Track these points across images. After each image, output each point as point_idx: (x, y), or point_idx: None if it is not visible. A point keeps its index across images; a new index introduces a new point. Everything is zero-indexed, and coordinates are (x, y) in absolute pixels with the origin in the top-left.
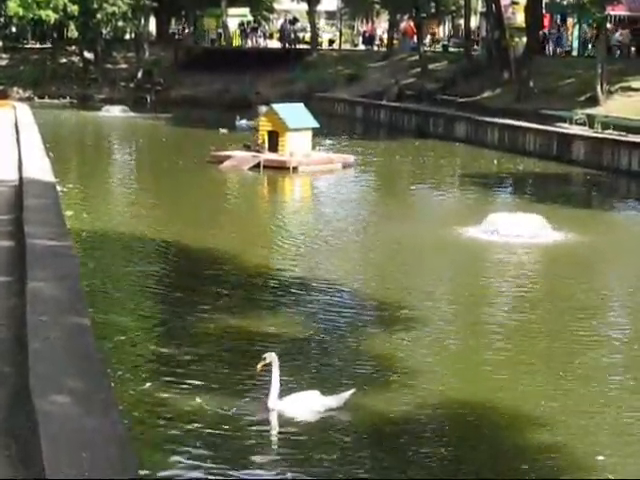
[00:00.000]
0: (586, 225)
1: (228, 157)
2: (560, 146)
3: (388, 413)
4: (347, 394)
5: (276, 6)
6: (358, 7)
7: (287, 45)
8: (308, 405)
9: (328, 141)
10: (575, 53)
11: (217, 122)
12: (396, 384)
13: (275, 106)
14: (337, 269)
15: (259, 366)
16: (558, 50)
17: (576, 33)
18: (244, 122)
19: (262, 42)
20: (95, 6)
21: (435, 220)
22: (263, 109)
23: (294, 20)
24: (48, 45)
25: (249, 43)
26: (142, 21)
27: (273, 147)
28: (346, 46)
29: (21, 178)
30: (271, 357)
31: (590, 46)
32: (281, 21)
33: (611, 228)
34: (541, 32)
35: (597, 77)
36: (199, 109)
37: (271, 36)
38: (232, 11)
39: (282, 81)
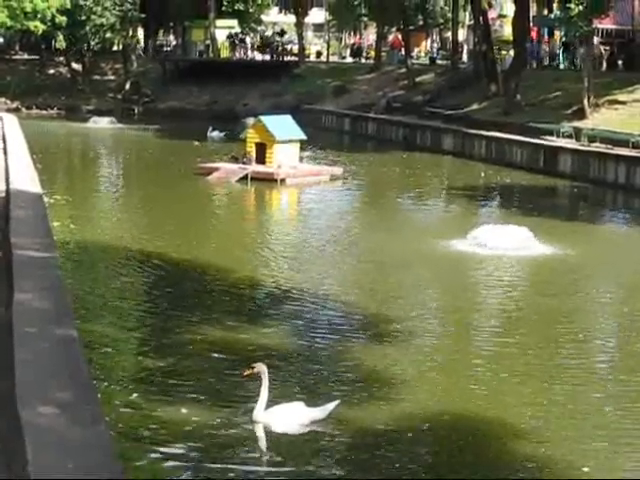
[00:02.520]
0: (573, 237)
1: (216, 169)
2: (547, 159)
3: (373, 424)
4: (332, 405)
5: (264, 18)
6: (346, 19)
7: (271, 57)
8: (293, 416)
9: (316, 153)
10: (562, 66)
11: (204, 134)
12: (381, 396)
13: (263, 118)
14: (323, 282)
15: (245, 373)
16: (533, 63)
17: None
18: (215, 133)
19: (250, 54)
20: (83, 17)
21: (422, 232)
22: (251, 121)
23: (282, 32)
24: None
25: (237, 55)
26: (130, 32)
27: (261, 159)
28: (334, 58)
29: (8, 189)
30: (260, 368)
31: (561, 58)
32: (267, 33)
33: (598, 240)
34: None
35: (584, 90)
36: (187, 121)
37: (259, 48)
38: (220, 23)
39: (270, 93)
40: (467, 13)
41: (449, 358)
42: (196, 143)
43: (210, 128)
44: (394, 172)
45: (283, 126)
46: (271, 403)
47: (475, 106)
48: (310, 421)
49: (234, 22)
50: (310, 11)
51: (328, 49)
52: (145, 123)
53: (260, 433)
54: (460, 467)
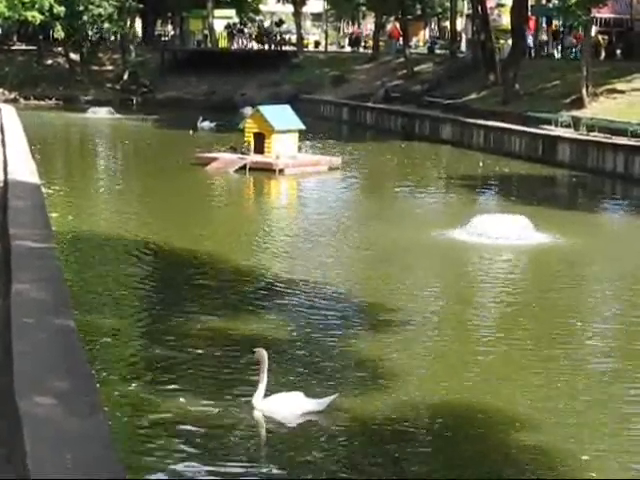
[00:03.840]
0: (571, 227)
1: (214, 159)
2: (546, 148)
3: (370, 415)
4: (330, 398)
5: (262, 7)
6: (344, 9)
7: (269, 47)
8: (291, 406)
9: (314, 143)
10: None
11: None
12: (380, 386)
13: (261, 108)
14: (322, 271)
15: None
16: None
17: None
18: (206, 123)
19: (248, 44)
20: (81, 8)
21: (421, 222)
22: (249, 111)
23: (280, 22)
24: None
25: (235, 45)
26: (128, 22)
27: (259, 149)
28: (332, 48)
29: (6, 179)
30: (260, 353)
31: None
32: (265, 23)
33: (596, 230)
34: None
35: (582, 79)
36: (185, 111)
37: (257, 38)
38: (218, 12)
39: (269, 83)
40: (465, 2)
41: (449, 347)
42: (191, 132)
43: (200, 118)
44: (392, 162)
45: (281, 116)
46: (270, 392)
47: (474, 95)
48: (308, 412)
49: (232, 12)
50: (308, 1)
51: (326, 39)
52: (143, 113)
53: (259, 421)
54: (459, 458)
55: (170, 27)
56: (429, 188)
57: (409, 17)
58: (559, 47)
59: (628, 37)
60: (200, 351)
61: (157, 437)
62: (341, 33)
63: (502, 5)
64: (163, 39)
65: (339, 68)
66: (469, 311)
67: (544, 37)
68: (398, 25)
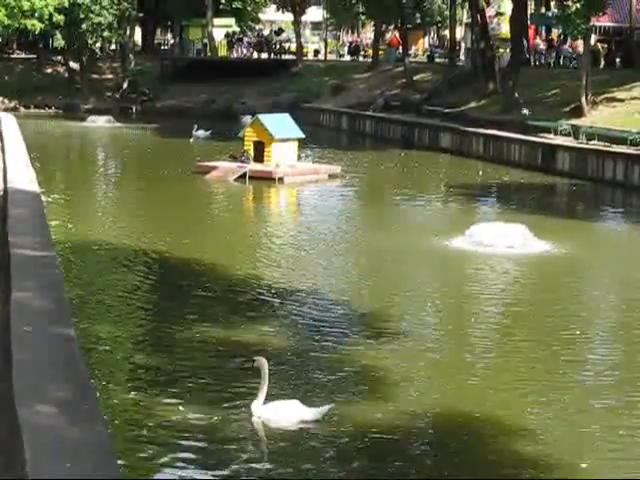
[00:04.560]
0: (571, 235)
1: (214, 168)
2: (545, 157)
3: (369, 423)
4: (327, 407)
5: (262, 16)
6: (343, 18)
7: (269, 55)
8: (289, 414)
9: (314, 151)
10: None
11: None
12: (378, 394)
13: (261, 116)
14: (321, 280)
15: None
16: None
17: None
18: (201, 132)
19: (248, 52)
20: (81, 16)
21: (420, 231)
22: (248, 119)
23: (279, 30)
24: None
25: (235, 53)
26: (127, 31)
27: (259, 157)
28: (331, 57)
29: (6, 188)
30: (260, 362)
31: (544, 57)
32: (264, 31)
33: (596, 238)
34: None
35: (582, 88)
36: (185, 119)
37: (257, 46)
38: (218, 21)
39: (268, 91)
40: (465, 11)
41: (447, 357)
42: (191, 140)
43: (195, 126)
44: (392, 170)
45: (281, 124)
46: (268, 400)
47: (473, 104)
48: (305, 420)
49: (231, 20)
50: (308, 9)
51: (326, 47)
52: (143, 122)
53: (257, 428)
54: (456, 465)
55: (170, 36)
56: (428, 197)
57: (408, 26)
58: (558, 56)
59: (627, 45)
60: (199, 359)
61: (156, 445)
62: (340, 42)
63: (501, 14)
64: (163, 48)
65: (339, 77)
66: (467, 320)
67: (542, 46)
68: (397, 34)
